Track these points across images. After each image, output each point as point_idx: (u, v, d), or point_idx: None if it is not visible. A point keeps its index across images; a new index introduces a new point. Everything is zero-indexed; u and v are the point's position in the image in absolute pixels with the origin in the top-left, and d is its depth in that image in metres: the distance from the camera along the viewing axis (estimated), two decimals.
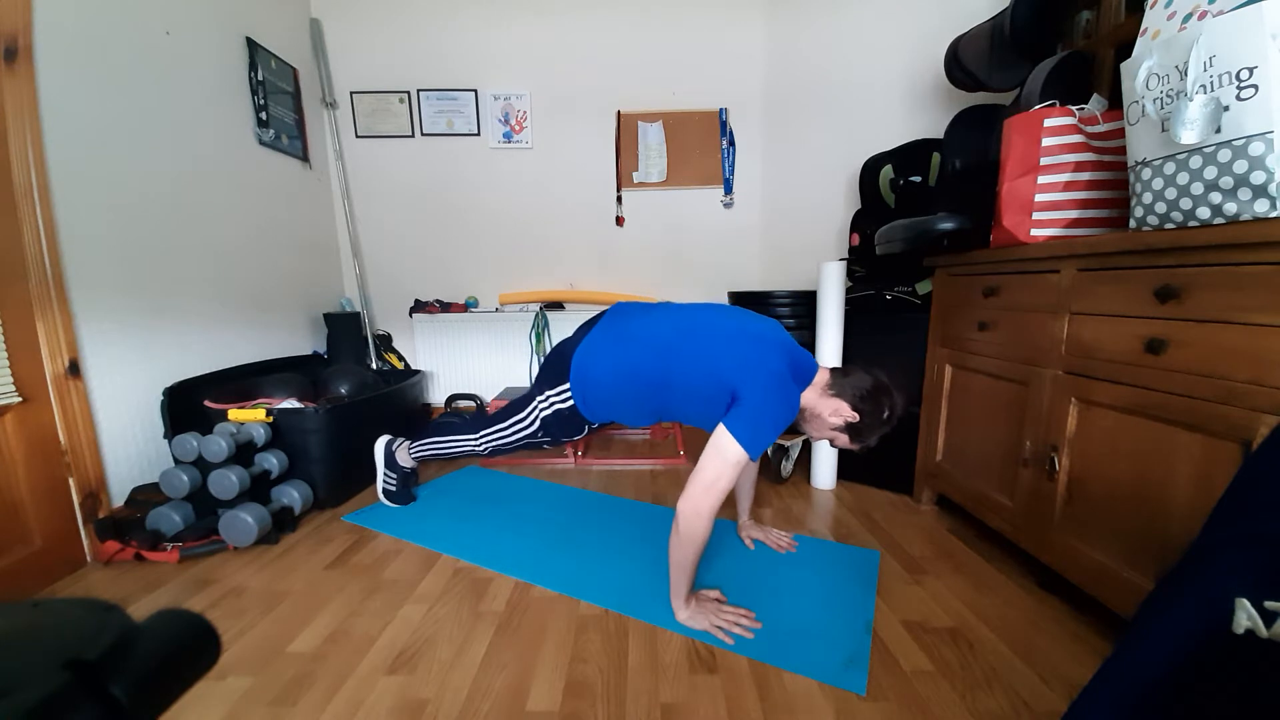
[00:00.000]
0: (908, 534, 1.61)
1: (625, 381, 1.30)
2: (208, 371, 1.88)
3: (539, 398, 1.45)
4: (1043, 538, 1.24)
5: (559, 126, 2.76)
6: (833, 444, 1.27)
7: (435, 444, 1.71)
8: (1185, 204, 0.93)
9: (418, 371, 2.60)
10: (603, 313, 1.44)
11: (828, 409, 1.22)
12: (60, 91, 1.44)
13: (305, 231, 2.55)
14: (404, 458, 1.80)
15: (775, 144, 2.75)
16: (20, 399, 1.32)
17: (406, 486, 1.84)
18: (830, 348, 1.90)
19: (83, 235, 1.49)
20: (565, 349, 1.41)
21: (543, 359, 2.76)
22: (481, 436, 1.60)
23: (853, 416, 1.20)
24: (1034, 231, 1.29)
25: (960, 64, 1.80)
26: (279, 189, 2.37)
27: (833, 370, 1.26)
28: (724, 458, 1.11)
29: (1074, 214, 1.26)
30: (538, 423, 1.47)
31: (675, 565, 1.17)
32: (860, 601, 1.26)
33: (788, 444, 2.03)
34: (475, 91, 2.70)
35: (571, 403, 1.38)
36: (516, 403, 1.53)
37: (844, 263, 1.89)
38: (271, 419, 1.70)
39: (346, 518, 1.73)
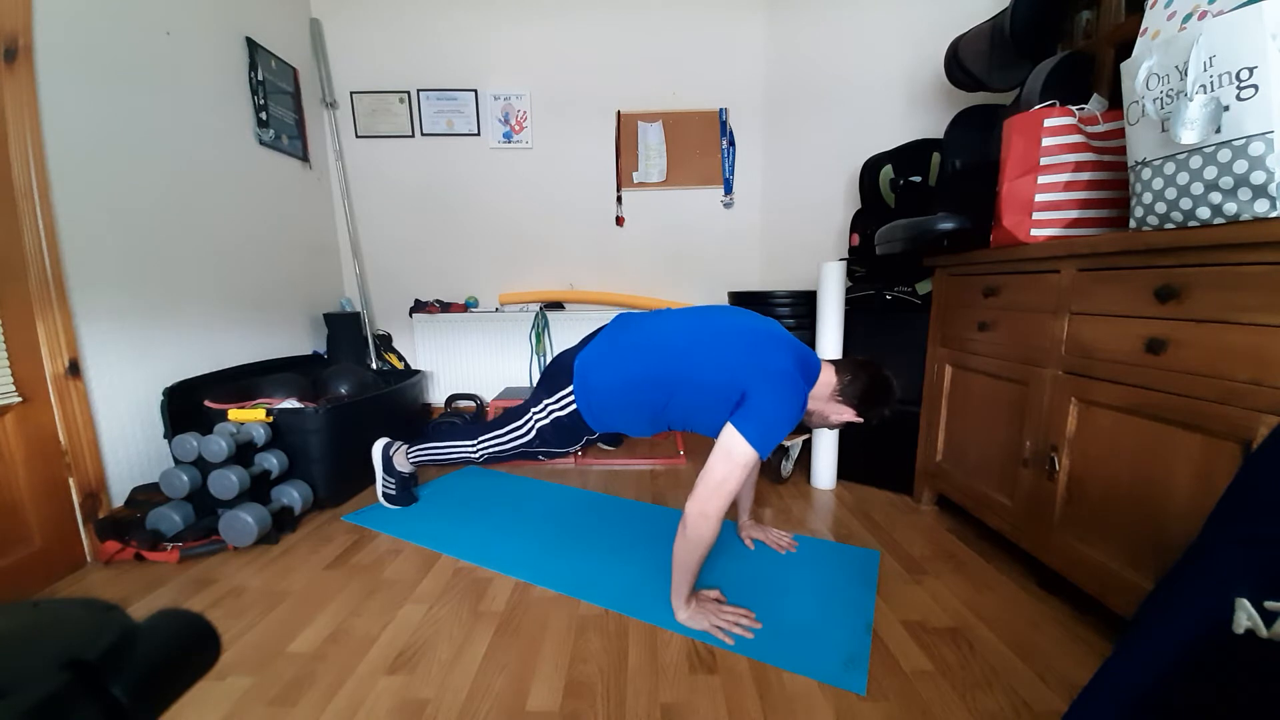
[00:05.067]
0: (908, 534, 1.61)
1: (633, 389, 1.26)
2: (208, 371, 1.88)
3: (535, 408, 1.42)
4: (1043, 538, 1.24)
5: (559, 126, 2.75)
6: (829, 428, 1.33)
7: (432, 450, 1.70)
8: (1185, 204, 0.93)
9: (418, 371, 2.60)
10: (605, 325, 1.41)
11: (834, 413, 1.25)
12: (60, 91, 1.44)
13: (305, 231, 2.55)
14: (401, 463, 1.79)
15: (775, 144, 2.75)
16: (20, 399, 1.32)
17: (406, 489, 1.83)
18: (830, 348, 1.90)
19: (83, 235, 1.48)
20: (565, 358, 1.37)
21: (543, 361, 2.76)
22: (479, 443, 1.59)
23: (858, 420, 1.25)
24: (1034, 231, 1.29)
25: (960, 64, 1.80)
26: (279, 189, 2.37)
27: (838, 371, 1.25)
28: (733, 459, 1.09)
29: (1074, 214, 1.26)
30: (534, 433, 1.44)
31: (679, 566, 1.16)
32: (860, 601, 1.26)
33: (788, 444, 2.03)
34: (475, 91, 2.70)
35: (573, 408, 1.32)
36: (513, 411, 1.51)
37: (844, 263, 1.89)
38: (271, 419, 1.70)
39: (346, 518, 1.74)
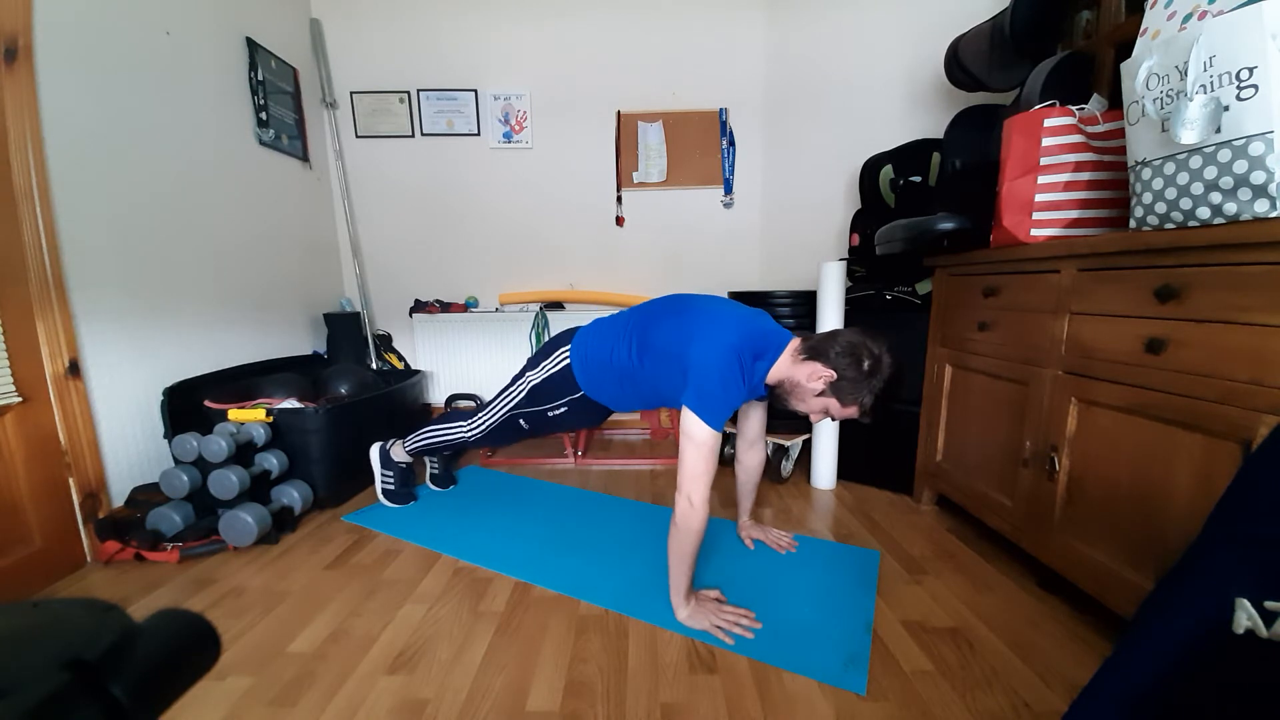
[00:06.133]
0: (908, 534, 1.61)
1: (616, 356, 1.36)
2: (208, 371, 1.88)
3: (530, 372, 1.52)
4: (1043, 538, 1.24)
5: (559, 127, 2.75)
6: (832, 416, 1.21)
7: (428, 434, 1.75)
8: (1185, 204, 0.93)
9: (418, 371, 2.60)
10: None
11: (804, 374, 1.18)
12: (60, 91, 1.43)
13: (305, 231, 2.55)
14: (399, 454, 1.82)
15: (775, 144, 2.75)
16: (20, 399, 1.32)
17: (406, 485, 1.84)
18: None
19: (82, 235, 1.48)
20: (564, 332, 1.50)
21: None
22: (475, 420, 1.66)
23: (830, 374, 1.15)
24: (1034, 231, 1.29)
25: (960, 64, 1.80)
26: (279, 189, 2.37)
27: (804, 338, 1.23)
28: (693, 439, 1.13)
29: (1074, 214, 1.26)
30: (526, 391, 1.52)
31: (675, 558, 1.17)
32: (860, 601, 1.26)
33: (788, 444, 2.03)
34: (475, 91, 2.70)
35: (567, 363, 1.42)
36: (505, 386, 1.60)
37: (844, 263, 1.89)
38: (271, 419, 1.70)
39: (346, 518, 1.73)
